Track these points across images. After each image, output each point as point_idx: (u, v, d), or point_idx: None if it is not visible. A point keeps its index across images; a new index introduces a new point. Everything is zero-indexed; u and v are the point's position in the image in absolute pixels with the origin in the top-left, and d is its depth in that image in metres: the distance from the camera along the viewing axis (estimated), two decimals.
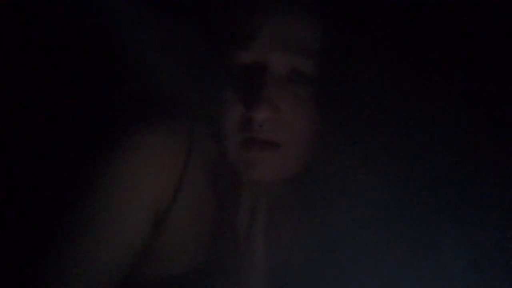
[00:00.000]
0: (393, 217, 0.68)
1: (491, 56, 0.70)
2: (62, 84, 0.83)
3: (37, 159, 0.80)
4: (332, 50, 0.60)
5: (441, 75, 0.69)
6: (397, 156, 0.68)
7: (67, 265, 0.60)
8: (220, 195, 0.68)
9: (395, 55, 0.65)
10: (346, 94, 0.62)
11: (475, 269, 0.65)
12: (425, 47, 0.69)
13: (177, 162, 0.65)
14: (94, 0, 0.71)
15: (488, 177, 0.67)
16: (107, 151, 0.63)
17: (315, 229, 0.71)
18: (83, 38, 0.79)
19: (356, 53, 0.62)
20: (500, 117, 0.69)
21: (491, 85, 0.69)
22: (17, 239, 0.74)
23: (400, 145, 0.68)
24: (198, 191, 0.67)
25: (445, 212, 0.67)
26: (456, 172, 0.68)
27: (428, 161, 0.69)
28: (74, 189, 0.63)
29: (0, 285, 0.65)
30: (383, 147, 0.67)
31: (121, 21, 0.69)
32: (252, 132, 0.59)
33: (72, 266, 0.60)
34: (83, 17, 0.75)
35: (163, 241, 0.66)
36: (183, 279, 0.66)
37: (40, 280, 0.60)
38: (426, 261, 0.66)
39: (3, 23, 0.79)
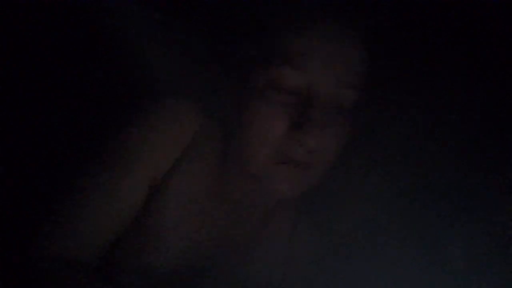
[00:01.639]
0: (396, 216, 0.69)
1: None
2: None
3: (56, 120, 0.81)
4: (376, 83, 0.60)
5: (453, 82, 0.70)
6: (401, 157, 0.69)
7: (66, 217, 0.62)
8: (219, 189, 0.69)
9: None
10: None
11: (478, 269, 0.65)
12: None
13: (185, 136, 0.67)
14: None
15: (490, 178, 0.68)
16: (129, 114, 0.66)
17: (318, 229, 0.71)
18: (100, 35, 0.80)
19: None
20: (500, 120, 0.70)
21: (494, 89, 0.70)
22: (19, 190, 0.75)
23: (404, 146, 0.69)
24: (194, 176, 0.68)
25: (448, 212, 0.67)
26: (459, 173, 0.69)
27: (431, 163, 0.70)
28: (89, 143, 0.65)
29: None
30: (389, 148, 0.68)
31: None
32: (291, 153, 0.59)
33: (71, 217, 0.62)
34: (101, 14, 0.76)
35: (156, 216, 0.67)
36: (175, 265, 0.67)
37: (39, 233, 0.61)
38: (428, 261, 0.66)
39: (3, 23, 0.80)
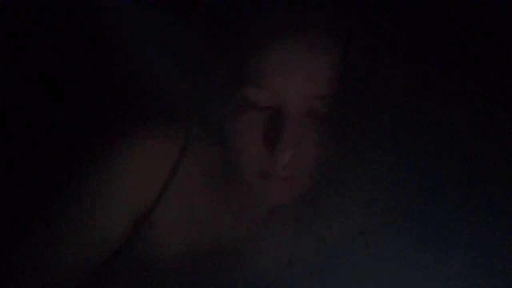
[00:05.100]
0: (396, 216, 0.69)
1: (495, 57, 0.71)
2: (62, 84, 0.83)
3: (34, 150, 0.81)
4: (347, 89, 0.58)
5: (447, 81, 0.70)
6: (401, 157, 0.69)
7: (41, 251, 0.62)
8: (220, 197, 0.69)
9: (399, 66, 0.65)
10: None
11: (478, 269, 0.65)
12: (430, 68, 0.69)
13: (166, 166, 0.67)
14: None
15: (491, 178, 0.68)
16: (104, 149, 0.65)
17: (318, 231, 0.71)
18: (87, 38, 0.80)
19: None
20: (500, 119, 0.69)
21: (493, 86, 0.70)
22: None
23: (403, 146, 0.69)
24: (190, 193, 0.68)
25: (449, 212, 0.67)
26: (459, 174, 0.69)
27: (431, 163, 0.70)
28: (64, 180, 0.65)
29: None
30: (387, 148, 0.68)
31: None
32: (269, 169, 0.59)
33: (46, 251, 0.62)
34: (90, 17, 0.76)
35: (150, 241, 0.67)
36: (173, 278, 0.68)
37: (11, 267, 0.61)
38: (428, 261, 0.66)
39: (3, 23, 0.80)
